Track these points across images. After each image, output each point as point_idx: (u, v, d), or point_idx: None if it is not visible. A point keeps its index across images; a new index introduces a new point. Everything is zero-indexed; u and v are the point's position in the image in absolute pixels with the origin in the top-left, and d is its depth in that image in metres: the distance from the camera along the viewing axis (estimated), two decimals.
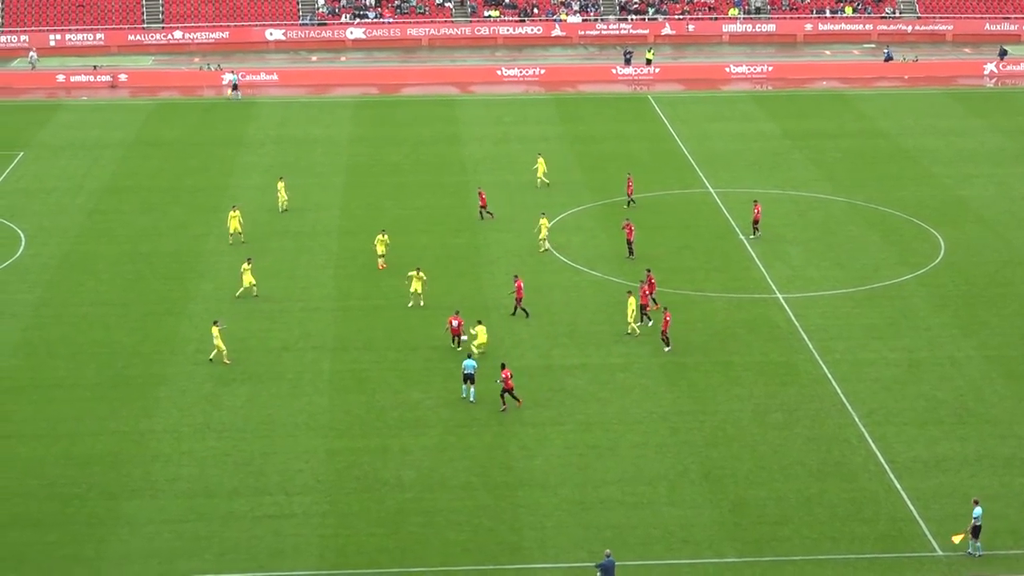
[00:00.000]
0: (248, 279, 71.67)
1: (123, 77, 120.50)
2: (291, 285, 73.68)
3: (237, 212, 79.80)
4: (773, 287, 73.39)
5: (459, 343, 65.51)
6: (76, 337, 67.77)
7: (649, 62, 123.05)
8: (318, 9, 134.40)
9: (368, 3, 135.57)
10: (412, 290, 70.14)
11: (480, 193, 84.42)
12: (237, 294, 71.94)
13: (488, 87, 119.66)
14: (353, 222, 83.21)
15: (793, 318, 69.44)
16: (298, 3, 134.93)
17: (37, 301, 72.00)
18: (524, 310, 69.40)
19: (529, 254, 77.82)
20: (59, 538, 51.10)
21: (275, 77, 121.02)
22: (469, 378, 60.75)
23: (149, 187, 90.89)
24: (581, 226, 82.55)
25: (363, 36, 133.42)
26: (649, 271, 70.85)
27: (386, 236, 76.19)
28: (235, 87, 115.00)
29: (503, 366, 60.17)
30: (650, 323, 67.91)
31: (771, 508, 52.91)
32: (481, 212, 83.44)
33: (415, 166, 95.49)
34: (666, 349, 65.51)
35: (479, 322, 65.31)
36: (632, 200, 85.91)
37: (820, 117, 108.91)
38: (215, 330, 64.34)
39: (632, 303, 66.80)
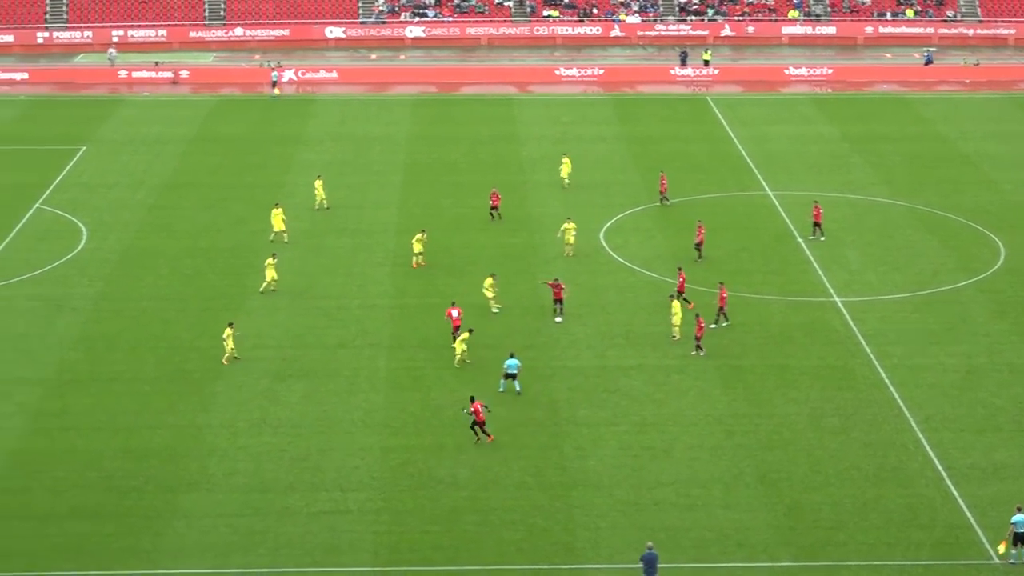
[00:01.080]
0: (271, 274, 71.99)
1: (184, 73, 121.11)
2: (348, 282, 73.84)
3: (280, 209, 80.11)
4: (831, 290, 72.99)
5: (455, 339, 65.33)
6: (135, 331, 68.18)
7: (707, 63, 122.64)
8: (378, 7, 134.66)
9: (428, 2, 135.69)
10: (491, 296, 69.69)
11: (494, 193, 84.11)
12: (260, 289, 72.26)
13: (546, 87, 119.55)
14: (411, 220, 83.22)
15: (850, 322, 69.05)
16: (358, 1, 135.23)
17: (97, 295, 72.44)
18: (558, 305, 68.89)
19: (585, 254, 77.69)
20: (116, 530, 51.44)
21: (335, 75, 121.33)
22: (511, 376, 60.86)
23: (209, 183, 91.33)
24: (638, 227, 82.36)
25: (422, 35, 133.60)
26: (680, 268, 70.72)
27: (425, 235, 76.19)
28: (274, 84, 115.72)
29: (472, 399, 57.98)
30: (726, 323, 67.65)
31: (827, 513, 52.64)
32: (492, 213, 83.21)
33: (473, 165, 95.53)
34: (700, 353, 65.20)
35: (470, 330, 64.64)
36: (665, 198, 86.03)
37: (880, 120, 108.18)
38: (228, 331, 64.35)
39: (676, 307, 66.47)
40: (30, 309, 70.58)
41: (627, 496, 53.66)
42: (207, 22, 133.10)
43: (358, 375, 63.43)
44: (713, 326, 67.53)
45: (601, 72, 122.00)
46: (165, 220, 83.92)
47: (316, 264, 76.26)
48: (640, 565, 47.98)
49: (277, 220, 79.36)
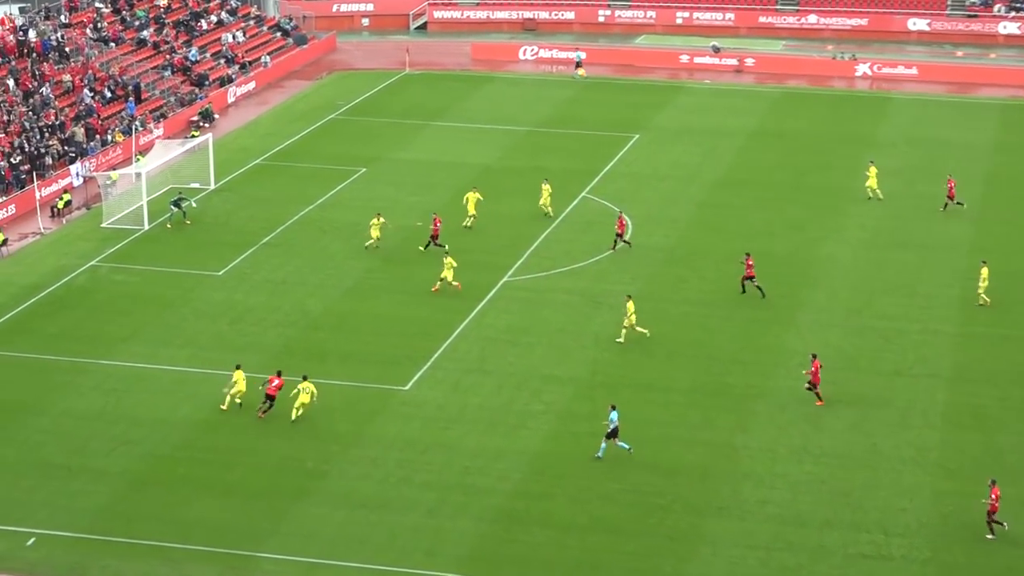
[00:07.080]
0: (375, 233, 76.92)
1: (750, 61, 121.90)
2: (910, 304, 72.44)
3: (476, 192, 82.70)
4: None
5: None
6: (674, 337, 69.05)
7: None
8: (969, 4, 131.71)
9: None
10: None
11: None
12: (365, 245, 77.08)
13: None
14: (988, 238, 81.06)
15: None
16: None
17: (637, 294, 73.54)
18: (813, 391, 62.62)
19: None
20: (638, 548, 52.16)
21: (914, 71, 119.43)
22: (614, 435, 57.87)
23: (766, 182, 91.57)
24: None
25: (1017, 31, 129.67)
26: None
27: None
28: (578, 64, 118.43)
29: (279, 373, 55.62)
30: None
31: None
32: None
33: None
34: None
35: (304, 377, 60.23)
36: (954, 200, 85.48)
37: None
38: (238, 374, 60.40)
39: None
40: (567, 303, 72.65)
41: None
42: (779, 7, 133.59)
43: (913, 407, 62.16)
44: None
45: None
46: (716, 219, 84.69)
47: (877, 280, 75.24)
48: None
49: (471, 204, 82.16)
